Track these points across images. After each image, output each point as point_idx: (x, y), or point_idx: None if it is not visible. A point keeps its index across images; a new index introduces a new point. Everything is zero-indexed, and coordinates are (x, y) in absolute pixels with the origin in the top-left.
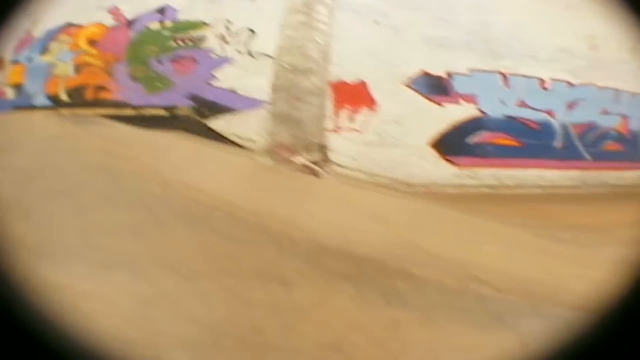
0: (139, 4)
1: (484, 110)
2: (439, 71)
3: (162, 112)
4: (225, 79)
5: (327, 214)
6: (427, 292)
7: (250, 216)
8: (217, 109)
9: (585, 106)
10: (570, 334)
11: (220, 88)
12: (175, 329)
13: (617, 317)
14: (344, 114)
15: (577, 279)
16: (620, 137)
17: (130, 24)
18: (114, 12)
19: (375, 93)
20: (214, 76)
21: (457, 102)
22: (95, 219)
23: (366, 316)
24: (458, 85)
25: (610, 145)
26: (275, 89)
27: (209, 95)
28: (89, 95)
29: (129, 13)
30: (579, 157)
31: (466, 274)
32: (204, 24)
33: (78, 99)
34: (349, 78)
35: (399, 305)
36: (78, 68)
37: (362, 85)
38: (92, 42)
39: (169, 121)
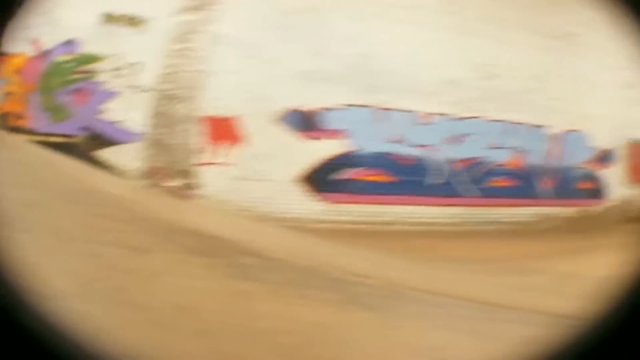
0: (57, 36)
1: (356, 146)
2: (310, 106)
3: (62, 140)
4: (113, 111)
5: (192, 213)
6: (277, 270)
7: (122, 201)
8: (103, 140)
9: (472, 140)
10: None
11: (107, 120)
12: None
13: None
14: (217, 147)
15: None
16: (511, 173)
17: (45, 55)
18: (35, 42)
19: (246, 128)
20: (102, 109)
21: (327, 138)
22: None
23: (217, 285)
24: (330, 121)
25: (500, 181)
26: (153, 115)
27: (97, 127)
28: (11, 122)
29: (48, 44)
30: (460, 193)
31: (318, 257)
32: (101, 57)
33: (4, 125)
34: (223, 112)
35: (248, 279)
36: (6, 96)
37: (234, 120)
38: (17, 72)
39: (68, 149)
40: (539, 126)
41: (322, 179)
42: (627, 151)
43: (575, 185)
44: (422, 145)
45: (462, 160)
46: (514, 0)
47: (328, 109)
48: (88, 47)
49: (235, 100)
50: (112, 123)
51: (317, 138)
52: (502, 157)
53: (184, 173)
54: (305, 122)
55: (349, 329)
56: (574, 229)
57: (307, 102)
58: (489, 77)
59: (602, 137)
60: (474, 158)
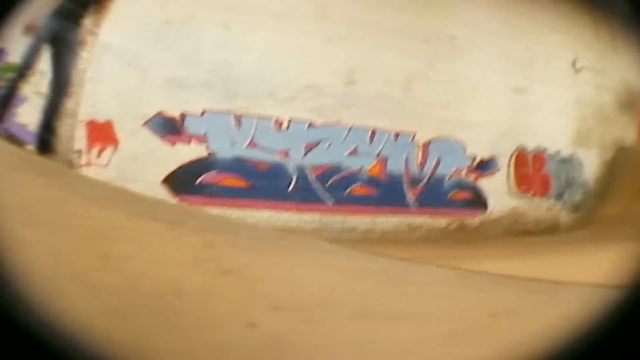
0: None
1: (214, 150)
2: (174, 112)
3: None
4: (22, 115)
5: None
6: None
7: None
8: (17, 141)
9: (329, 147)
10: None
11: (18, 123)
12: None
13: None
14: (94, 150)
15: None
16: (372, 180)
17: None
18: None
19: (119, 132)
20: (16, 113)
21: (188, 142)
22: None
23: None
24: (190, 126)
25: (359, 189)
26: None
27: (12, 129)
28: None
29: None
30: (317, 200)
31: None
32: (18, 66)
33: None
34: (100, 117)
35: None
36: None
37: (109, 124)
38: None
39: None
40: (405, 133)
41: (183, 182)
42: (514, 160)
43: (448, 195)
44: (279, 151)
45: (320, 167)
46: (386, 3)
47: (189, 115)
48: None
49: (111, 105)
50: (22, 126)
51: (180, 142)
52: (362, 164)
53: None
54: (168, 127)
55: None
56: (450, 240)
57: (172, 107)
58: (350, 83)
59: (483, 145)
60: (332, 164)
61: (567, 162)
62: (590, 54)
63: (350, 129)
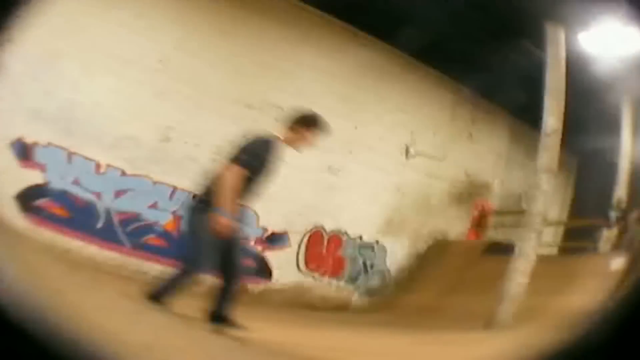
0: None
1: (49, 180)
2: (28, 139)
3: None
4: None
5: None
6: None
7: None
8: None
9: (134, 197)
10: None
11: None
12: None
13: None
14: None
15: None
16: (166, 234)
17: None
18: None
19: None
20: None
21: (33, 168)
22: None
23: None
24: (38, 154)
25: (153, 239)
26: None
27: None
28: None
29: None
30: (118, 241)
31: None
32: None
33: None
34: None
35: None
36: None
37: None
38: None
39: None
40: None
41: (26, 202)
42: (307, 238)
43: None
44: (94, 192)
45: (124, 213)
46: (228, 66)
47: (39, 144)
48: None
49: None
50: None
51: (28, 167)
52: (159, 218)
53: None
54: (23, 152)
55: None
56: None
57: (28, 135)
58: (164, 139)
59: (276, 219)
60: (133, 213)
61: (368, 248)
62: (435, 139)
63: (154, 183)
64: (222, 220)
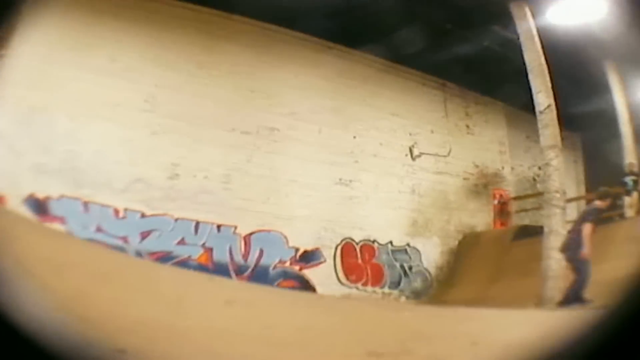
0: None
1: (72, 230)
2: (41, 194)
3: None
4: None
5: None
6: None
7: None
8: None
9: (160, 236)
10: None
11: None
12: None
13: None
14: None
15: None
16: (201, 267)
17: None
18: None
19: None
20: None
21: (53, 222)
22: None
23: None
24: (53, 207)
25: None
26: None
27: None
28: None
29: None
30: None
31: None
32: None
33: None
34: None
35: None
36: None
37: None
38: None
39: None
40: (226, 226)
41: None
42: (340, 251)
43: (274, 284)
44: (119, 237)
45: (154, 253)
46: (211, 96)
47: (51, 198)
48: None
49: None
50: None
51: (48, 221)
52: (190, 253)
53: None
54: (39, 207)
55: None
56: None
57: (40, 190)
58: (173, 176)
59: (305, 237)
60: (164, 251)
61: (401, 251)
62: (434, 137)
63: (176, 220)
64: None
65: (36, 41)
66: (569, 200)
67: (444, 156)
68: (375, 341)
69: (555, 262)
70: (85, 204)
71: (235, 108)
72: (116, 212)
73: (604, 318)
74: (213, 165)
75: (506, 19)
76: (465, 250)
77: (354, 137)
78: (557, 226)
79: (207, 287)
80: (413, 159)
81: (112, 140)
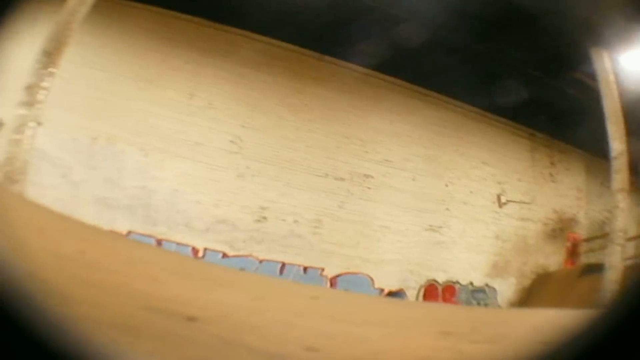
0: None
1: None
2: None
3: None
4: None
5: None
6: None
7: None
8: None
9: None
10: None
11: None
12: None
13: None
14: None
15: None
16: None
17: None
18: None
19: None
20: None
21: None
22: None
23: None
24: None
25: None
26: None
27: None
28: None
29: None
30: None
31: None
32: None
33: None
34: None
35: None
36: None
37: None
38: None
39: None
40: (313, 267)
41: None
42: (423, 291)
43: None
44: None
45: None
46: (301, 140)
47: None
48: None
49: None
50: None
51: None
52: None
53: None
54: None
55: None
56: None
57: (102, 224)
58: (260, 219)
59: (391, 279)
60: None
61: (480, 291)
62: (521, 185)
63: (261, 262)
64: None
65: (98, 66)
66: (630, 239)
67: (528, 203)
68: (447, 324)
69: (611, 292)
70: (159, 242)
71: (328, 153)
72: (195, 251)
73: (602, 317)
74: (304, 210)
75: (588, 66)
76: (537, 288)
77: (446, 185)
78: (616, 261)
79: (292, 286)
80: (500, 206)
81: (193, 179)
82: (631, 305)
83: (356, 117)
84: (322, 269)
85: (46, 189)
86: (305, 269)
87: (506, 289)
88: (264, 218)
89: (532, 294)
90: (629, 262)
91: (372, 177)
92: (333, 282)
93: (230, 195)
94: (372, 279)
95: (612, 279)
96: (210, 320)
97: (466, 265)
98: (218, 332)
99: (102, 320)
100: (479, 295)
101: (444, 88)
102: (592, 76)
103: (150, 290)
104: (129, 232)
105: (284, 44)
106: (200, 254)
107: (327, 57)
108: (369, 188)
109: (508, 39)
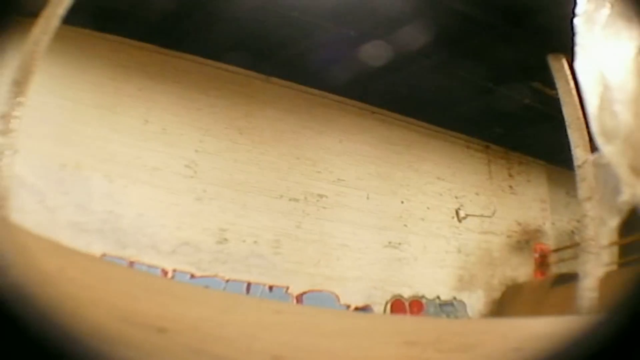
0: None
1: None
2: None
3: None
4: None
5: None
6: None
7: None
8: None
9: None
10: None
11: None
12: None
13: None
14: None
15: None
16: None
17: None
18: None
19: None
20: None
21: None
22: None
23: None
24: None
25: None
26: None
27: None
28: None
29: None
30: None
31: None
32: None
33: None
34: None
35: None
36: None
37: None
38: None
39: None
40: (278, 286)
41: None
42: (389, 306)
43: None
44: None
45: None
46: (253, 163)
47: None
48: None
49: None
50: None
51: None
52: None
53: None
54: None
55: None
56: None
57: (81, 247)
58: (222, 241)
59: (356, 296)
60: None
61: (449, 304)
62: (479, 199)
63: (227, 281)
64: None
65: (61, 94)
66: (602, 247)
67: (489, 217)
68: (412, 334)
69: (588, 300)
70: (131, 264)
71: (281, 175)
72: (164, 272)
73: (602, 322)
74: (262, 231)
75: (546, 75)
76: (509, 300)
77: (402, 202)
78: (591, 269)
79: (257, 301)
80: (459, 221)
81: (155, 204)
82: (633, 310)
83: (306, 138)
84: (287, 287)
85: (26, 214)
86: (270, 287)
87: (475, 301)
88: (225, 240)
89: (504, 305)
90: (605, 270)
91: (326, 196)
92: (299, 299)
93: (191, 218)
94: (337, 296)
95: (588, 287)
96: (180, 332)
97: (431, 280)
98: (187, 342)
99: (82, 330)
100: (447, 308)
101: (394, 105)
102: (550, 84)
103: (124, 305)
104: (103, 255)
105: (232, 67)
106: (170, 274)
107: (274, 79)
108: (324, 208)
109: (459, 50)
